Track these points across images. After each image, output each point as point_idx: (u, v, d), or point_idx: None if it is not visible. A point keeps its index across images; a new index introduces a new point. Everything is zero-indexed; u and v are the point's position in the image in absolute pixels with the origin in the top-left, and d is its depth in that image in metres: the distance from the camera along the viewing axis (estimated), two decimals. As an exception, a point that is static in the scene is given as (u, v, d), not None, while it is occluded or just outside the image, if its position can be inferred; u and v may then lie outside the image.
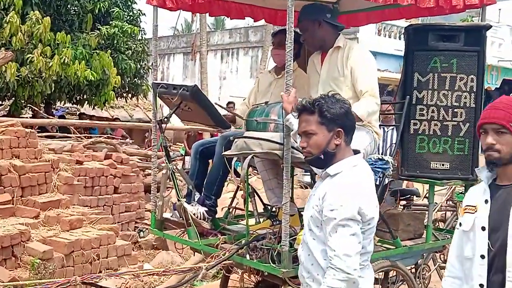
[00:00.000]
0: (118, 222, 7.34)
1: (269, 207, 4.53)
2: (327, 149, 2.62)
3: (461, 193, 5.66)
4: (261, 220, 4.38)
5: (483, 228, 2.39)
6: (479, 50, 4.22)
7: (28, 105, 12.55)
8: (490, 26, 4.37)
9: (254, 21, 5.61)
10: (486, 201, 2.42)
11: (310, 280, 2.70)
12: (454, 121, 4.22)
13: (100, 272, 5.76)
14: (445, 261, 6.07)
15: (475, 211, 2.44)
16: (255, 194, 4.52)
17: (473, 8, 4.45)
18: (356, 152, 2.77)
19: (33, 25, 11.29)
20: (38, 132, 9.15)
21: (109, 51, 13.31)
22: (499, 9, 23.54)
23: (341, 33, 4.18)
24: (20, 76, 11.20)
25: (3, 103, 12.66)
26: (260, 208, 4.71)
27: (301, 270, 2.79)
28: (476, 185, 2.65)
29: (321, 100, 2.66)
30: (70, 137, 10.50)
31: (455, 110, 4.22)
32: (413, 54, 4.33)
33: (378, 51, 16.80)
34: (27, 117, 12.42)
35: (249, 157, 3.84)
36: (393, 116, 5.08)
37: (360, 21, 5.37)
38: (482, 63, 4.25)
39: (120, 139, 11.73)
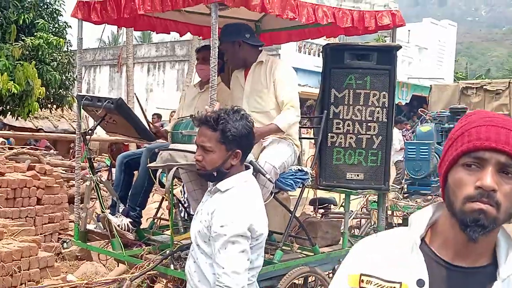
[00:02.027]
0: (41, 234, 7.02)
1: (194, 217, 4.47)
2: (222, 168, 2.51)
3: (375, 201, 5.82)
4: (186, 230, 4.32)
5: None
6: (390, 68, 4.37)
7: None
8: (400, 47, 4.55)
9: (180, 36, 5.55)
10: (420, 284, 1.24)
11: None
12: (368, 134, 4.34)
13: (22, 284, 5.48)
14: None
15: None
16: (180, 204, 4.47)
17: (384, 30, 4.61)
18: (247, 167, 2.68)
19: (-47, 34, 10.72)
20: (-43, 143, 8.65)
21: (34, 62, 12.81)
22: (409, 30, 24.65)
23: (263, 49, 4.22)
24: None
25: None
26: (185, 218, 4.66)
27: (188, 286, 2.65)
28: (388, 234, 1.41)
29: (225, 116, 2.50)
30: (-9, 148, 9.99)
31: (369, 124, 4.34)
32: (330, 71, 4.42)
33: (298, 67, 17.09)
34: None
35: (174, 168, 3.79)
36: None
37: (282, 39, 5.46)
38: (393, 80, 4.40)
39: (44, 150, 11.31)
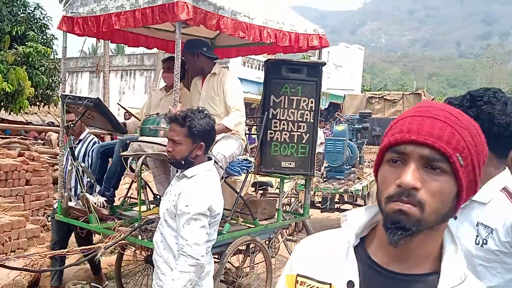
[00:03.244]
0: (29, 209, 6.68)
1: (158, 197, 4.34)
2: (188, 157, 2.49)
3: (302, 184, 5.84)
4: (152, 207, 4.19)
5: None
6: (317, 80, 4.37)
7: None
8: (325, 63, 4.55)
9: (148, 49, 5.36)
10: (350, 285, 0.96)
11: (161, 263, 2.51)
12: (299, 131, 4.33)
13: (13, 252, 5.17)
14: (289, 235, 6.26)
15: None
16: (147, 186, 4.34)
17: (314, 49, 4.61)
18: (209, 158, 2.66)
19: (-47, 41, 9.98)
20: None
21: (25, 67, 12.20)
22: (328, 52, 25.18)
23: (216, 62, 4.13)
24: None
25: None
26: (151, 198, 4.52)
27: (155, 255, 2.59)
28: (329, 235, 1.08)
29: (192, 115, 2.49)
30: (-14, 138, 9.38)
31: (299, 124, 4.33)
32: (270, 81, 4.38)
33: (243, 77, 17.08)
34: None
35: (143, 157, 3.69)
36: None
37: (232, 54, 5.37)
38: (319, 90, 4.40)
39: (32, 140, 10.76)
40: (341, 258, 0.99)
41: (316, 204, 7.65)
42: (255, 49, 5.11)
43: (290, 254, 6.28)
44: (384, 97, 13.08)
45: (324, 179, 7.74)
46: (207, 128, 2.50)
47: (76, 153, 4.28)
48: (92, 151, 4.40)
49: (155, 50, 5.58)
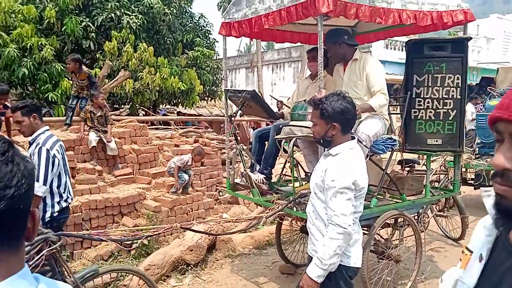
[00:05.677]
0: (204, 186, 7.48)
1: (308, 174, 4.50)
2: (325, 136, 2.52)
3: (451, 161, 5.43)
4: (303, 183, 4.37)
5: None
6: (462, 56, 4.03)
7: (141, 107, 12.87)
8: (471, 38, 4.15)
9: (293, 43, 5.54)
10: (480, 258, 0.98)
11: (314, 230, 2.60)
12: (445, 108, 4.06)
13: (193, 220, 5.90)
14: (439, 211, 5.89)
15: (463, 266, 1.05)
16: (298, 165, 4.51)
17: (459, 25, 4.23)
18: (353, 137, 2.62)
19: (142, 53, 11.53)
20: (149, 126, 9.40)
21: (194, 68, 13.46)
22: (477, 25, 22.36)
23: (357, 48, 4.08)
24: (134, 88, 11.51)
25: (123, 107, 13.05)
26: (303, 175, 4.70)
27: (308, 223, 2.69)
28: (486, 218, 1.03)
29: (324, 99, 2.53)
30: (170, 128, 10.74)
31: (445, 101, 4.05)
32: (412, 61, 4.18)
33: (386, 60, 16.28)
34: (140, 116, 12.77)
35: (294, 139, 3.85)
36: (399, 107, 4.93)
37: (372, 39, 5.22)
38: (465, 66, 4.05)
39: (204, 129, 11.91)
40: (486, 235, 0.97)
41: (468, 181, 7.03)
42: (395, 32, 4.88)
43: (440, 229, 5.94)
44: (546, 66, 11.16)
45: (477, 156, 7.05)
46: (339, 109, 2.47)
47: (28, 154, 3.55)
48: (39, 152, 3.48)
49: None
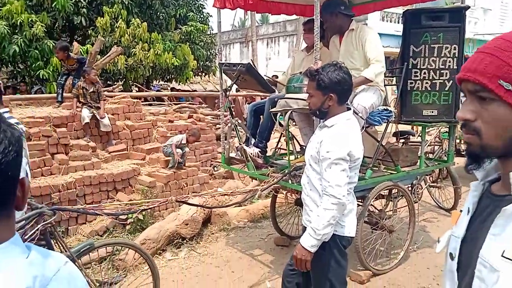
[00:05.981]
0: (199, 161, 7.46)
1: (304, 147, 4.48)
2: (321, 108, 2.49)
3: (446, 132, 5.42)
4: (299, 156, 4.35)
5: (451, 256, 1.07)
6: (460, 25, 3.97)
7: (134, 84, 12.71)
8: (469, 7, 4.08)
9: (288, 15, 5.41)
10: (468, 211, 1.06)
11: (308, 201, 2.60)
12: (441, 79, 4.02)
13: (189, 194, 5.89)
14: (433, 182, 5.92)
15: (454, 222, 1.13)
16: (294, 138, 4.49)
17: (455, -7, 4.14)
18: (348, 108, 2.58)
19: (135, 29, 11.29)
20: (142, 102, 9.29)
21: (188, 43, 13.26)
22: (474, -4, 22.06)
23: (353, 19, 4.00)
24: (127, 64, 11.32)
25: (116, 83, 12.88)
26: (298, 148, 4.68)
27: (303, 194, 2.68)
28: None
29: (321, 70, 2.48)
30: (163, 104, 10.63)
31: (442, 71, 4.01)
32: (409, 31, 4.12)
33: (382, 32, 16.04)
34: (134, 92, 12.62)
35: (289, 112, 3.80)
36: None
37: (368, 10, 5.12)
38: (463, 36, 4.00)
39: (198, 104, 11.81)
40: (472, 190, 1.08)
41: (462, 152, 7.04)
42: (392, 2, 4.77)
43: (433, 200, 5.98)
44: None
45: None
46: (336, 80, 2.43)
47: None
48: None
49: (295, 16, 5.60)
